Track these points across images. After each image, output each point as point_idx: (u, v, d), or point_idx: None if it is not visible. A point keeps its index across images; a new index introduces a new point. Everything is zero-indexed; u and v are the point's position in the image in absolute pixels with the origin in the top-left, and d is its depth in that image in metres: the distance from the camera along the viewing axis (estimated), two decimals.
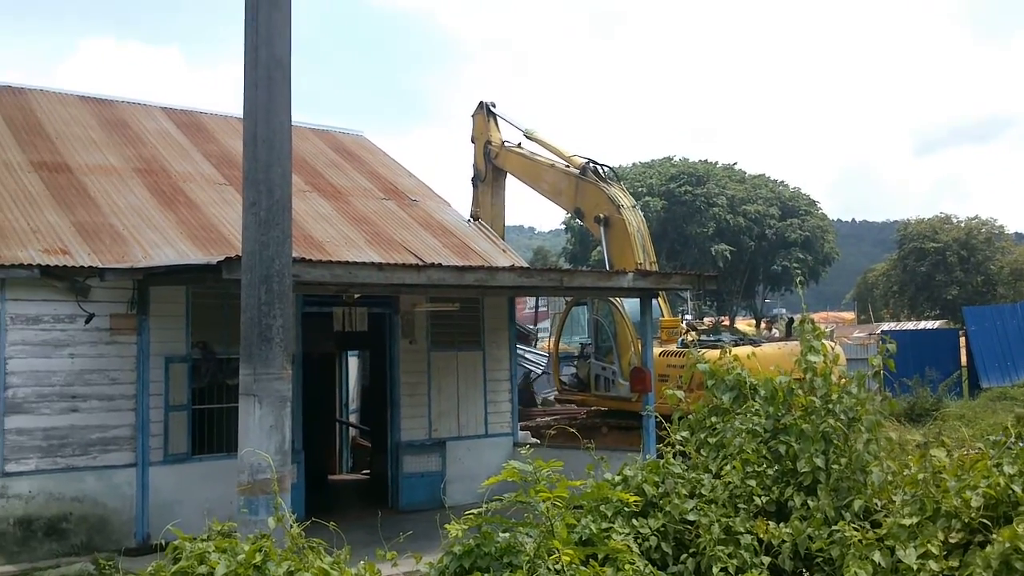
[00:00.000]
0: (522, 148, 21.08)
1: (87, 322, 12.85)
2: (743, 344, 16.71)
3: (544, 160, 20.22)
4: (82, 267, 12.84)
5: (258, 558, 5.38)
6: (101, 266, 12.89)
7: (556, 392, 21.73)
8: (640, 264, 16.87)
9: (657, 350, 16.79)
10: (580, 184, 18.90)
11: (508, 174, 21.59)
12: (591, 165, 18.78)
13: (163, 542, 5.95)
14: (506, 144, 21.35)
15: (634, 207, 18.45)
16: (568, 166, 19.40)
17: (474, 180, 22.29)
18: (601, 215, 18.08)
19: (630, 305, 16.95)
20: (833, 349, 7.67)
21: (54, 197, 14.82)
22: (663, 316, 18.39)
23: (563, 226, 61.74)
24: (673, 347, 17.04)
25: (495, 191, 21.94)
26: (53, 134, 17.09)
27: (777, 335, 20.04)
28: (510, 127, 21.61)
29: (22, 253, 12.83)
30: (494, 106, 21.83)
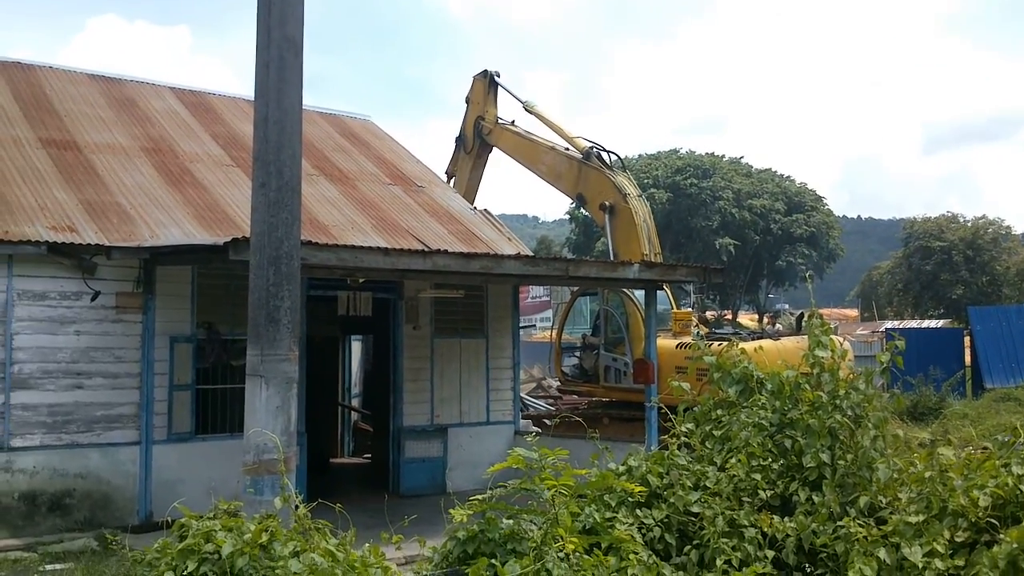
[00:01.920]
0: (516, 126, 20.73)
1: (93, 299, 12.87)
2: (765, 338, 16.54)
3: (543, 142, 19.85)
4: (89, 245, 12.86)
5: (264, 538, 5.39)
6: (108, 244, 12.92)
7: (558, 383, 21.68)
8: (645, 255, 16.75)
9: (673, 342, 16.66)
10: (583, 169, 18.53)
11: (495, 150, 21.30)
12: (595, 150, 18.40)
13: (169, 520, 5.96)
14: (500, 121, 21.02)
15: (640, 196, 18.16)
16: (569, 148, 19.04)
17: (458, 140, 22.03)
18: (607, 203, 17.79)
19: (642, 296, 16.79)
20: (842, 344, 7.65)
21: (62, 174, 14.82)
22: (672, 309, 18.28)
23: (567, 216, 61.55)
24: (689, 339, 16.83)
25: (476, 164, 21.73)
26: (62, 111, 17.07)
27: (781, 329, 19.87)
28: (508, 97, 21.28)
29: (30, 229, 12.83)
30: (498, 76, 21.29)
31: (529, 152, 20.11)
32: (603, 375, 18.00)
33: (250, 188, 8.72)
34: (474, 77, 21.64)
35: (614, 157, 18.66)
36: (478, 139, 21.38)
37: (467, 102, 21.85)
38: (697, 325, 17.96)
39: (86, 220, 13.64)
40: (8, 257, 12.45)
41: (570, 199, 19.87)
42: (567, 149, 19.16)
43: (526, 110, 20.56)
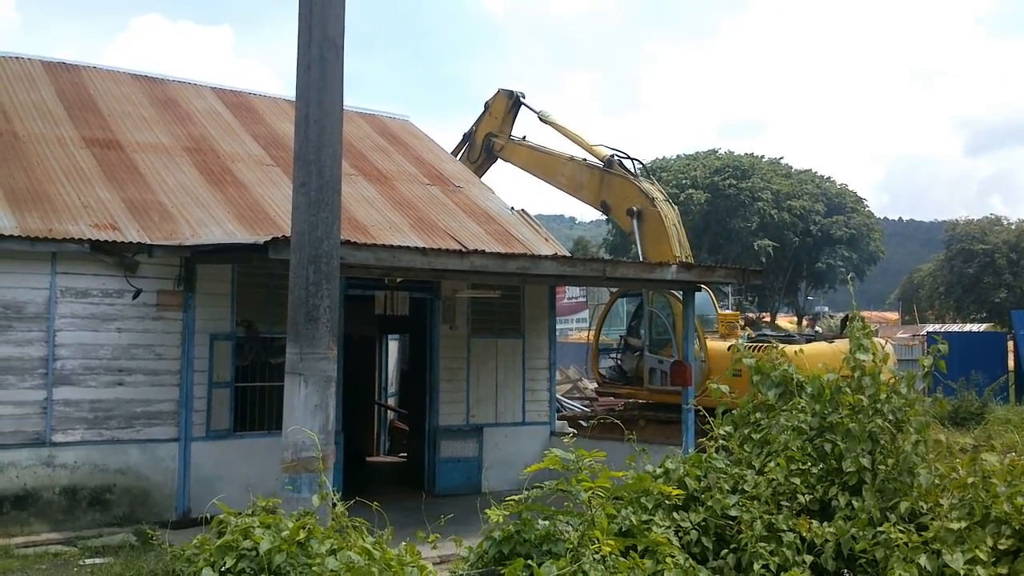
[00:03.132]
0: (528, 141, 20.80)
1: (135, 297, 13.00)
2: (819, 340, 16.30)
3: (560, 153, 19.88)
4: (131, 243, 12.98)
5: (302, 535, 5.42)
6: (149, 243, 13.05)
7: (595, 384, 21.58)
8: (677, 257, 16.64)
9: (724, 344, 16.52)
10: (606, 177, 18.52)
11: (500, 161, 21.48)
12: (616, 157, 18.40)
13: (208, 516, 6.00)
14: (512, 138, 21.12)
15: (668, 200, 18.10)
16: (585, 159, 19.08)
17: (467, 136, 22.26)
18: (634, 208, 17.69)
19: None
20: (883, 348, 7.56)
21: (105, 173, 14.99)
22: (716, 311, 18.13)
23: (604, 217, 61.41)
24: (739, 341, 16.48)
25: (477, 172, 21.84)
26: (105, 111, 17.27)
27: (820, 332, 19.68)
28: (524, 109, 21.29)
29: (73, 228, 12.99)
30: (523, 97, 21.23)
31: (546, 165, 20.08)
32: (647, 377, 17.80)
33: (290, 187, 8.78)
34: (500, 90, 21.67)
35: (638, 164, 18.57)
36: (485, 152, 21.47)
37: (485, 107, 21.93)
38: (744, 327, 17.77)
39: (128, 219, 13.79)
40: (52, 255, 12.61)
41: (594, 208, 19.93)
42: (584, 160, 19.17)
43: (541, 120, 20.61)
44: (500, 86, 21.97)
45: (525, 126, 21.46)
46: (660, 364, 17.40)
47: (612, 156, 18.48)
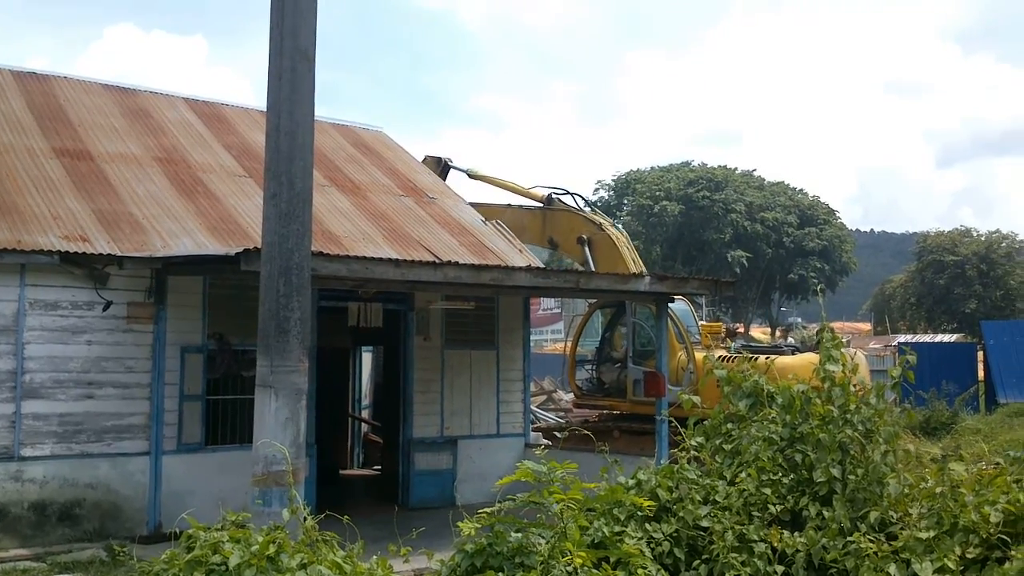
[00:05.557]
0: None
1: (105, 309, 12.90)
2: (807, 351, 16.39)
3: (496, 204, 20.47)
4: (101, 255, 12.90)
5: (272, 550, 5.37)
6: (120, 254, 12.97)
7: (572, 396, 21.60)
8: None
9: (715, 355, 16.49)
10: (548, 215, 19.17)
11: None
12: (554, 195, 19.14)
13: (177, 530, 5.95)
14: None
15: (614, 224, 18.64)
16: (522, 205, 19.74)
17: None
18: (583, 236, 18.23)
19: (677, 309, 16.65)
20: (853, 358, 7.60)
21: (75, 184, 14.87)
22: (696, 322, 18.25)
23: None
24: (725, 352, 16.58)
25: None
26: (76, 121, 17.15)
27: (792, 342, 19.83)
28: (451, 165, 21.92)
29: (42, 239, 12.88)
30: (451, 162, 21.78)
31: (487, 215, 20.43)
32: (631, 388, 17.75)
33: (262, 199, 8.74)
34: (427, 157, 22.12)
35: (579, 197, 19.39)
36: None
37: None
38: (726, 338, 17.93)
39: (98, 230, 13.69)
40: (21, 267, 12.51)
41: (541, 247, 20.47)
42: (521, 205, 19.84)
43: (471, 177, 21.28)
44: (427, 152, 22.43)
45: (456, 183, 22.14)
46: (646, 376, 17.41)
47: (550, 194, 19.24)
